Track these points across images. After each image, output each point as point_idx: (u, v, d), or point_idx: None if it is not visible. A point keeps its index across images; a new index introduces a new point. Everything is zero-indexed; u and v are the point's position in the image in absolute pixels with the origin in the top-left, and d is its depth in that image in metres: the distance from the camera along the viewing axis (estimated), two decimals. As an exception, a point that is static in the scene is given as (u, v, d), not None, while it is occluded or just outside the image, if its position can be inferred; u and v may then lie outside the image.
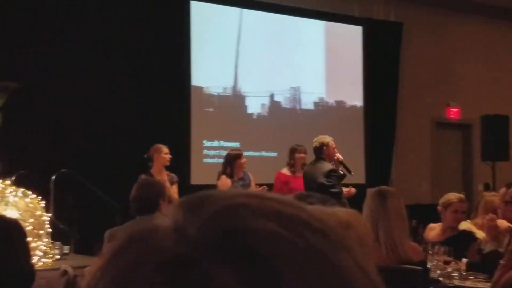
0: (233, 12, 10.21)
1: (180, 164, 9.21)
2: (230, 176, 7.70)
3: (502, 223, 5.29)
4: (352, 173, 7.80)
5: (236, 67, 10.13)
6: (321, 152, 7.67)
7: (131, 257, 0.52)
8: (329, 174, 7.45)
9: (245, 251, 0.50)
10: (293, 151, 8.14)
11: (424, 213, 6.76)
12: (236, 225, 0.52)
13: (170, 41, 9.53)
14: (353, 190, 7.85)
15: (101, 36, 8.95)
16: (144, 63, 9.26)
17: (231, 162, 7.77)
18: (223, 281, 0.49)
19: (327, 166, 7.54)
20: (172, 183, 7.33)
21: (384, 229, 3.97)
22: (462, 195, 5.72)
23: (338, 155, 7.75)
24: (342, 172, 7.63)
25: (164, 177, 7.20)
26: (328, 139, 7.79)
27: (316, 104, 10.85)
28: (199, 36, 9.83)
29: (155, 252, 0.51)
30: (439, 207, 5.60)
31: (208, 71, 9.88)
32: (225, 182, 7.58)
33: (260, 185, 7.76)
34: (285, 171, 8.17)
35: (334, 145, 7.75)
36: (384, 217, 3.99)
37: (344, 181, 9.18)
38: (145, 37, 9.26)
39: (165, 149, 7.45)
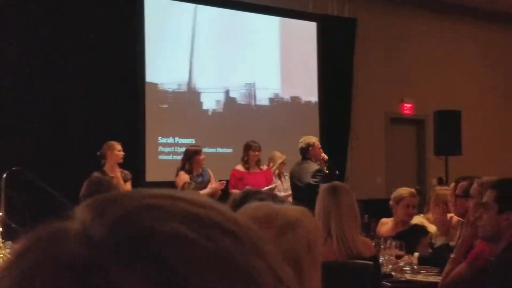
0: (187, 8, 10.15)
1: (135, 161, 9.15)
2: (189, 172, 7.71)
3: (453, 217, 5.37)
4: (337, 172, 8.05)
5: (191, 63, 10.08)
6: (307, 152, 7.91)
7: (34, 259, 0.50)
8: (315, 174, 7.64)
9: (151, 255, 0.49)
10: (247, 148, 8.19)
11: (379, 208, 6.82)
12: (143, 228, 0.50)
13: (124, 37, 9.44)
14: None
15: (54, 31, 8.83)
16: (97, 59, 9.14)
17: (190, 158, 7.79)
18: (125, 286, 0.48)
19: (313, 166, 7.77)
20: (125, 180, 7.29)
21: (335, 224, 3.99)
22: (413, 190, 5.78)
23: (324, 155, 7.99)
24: (327, 171, 7.81)
25: (117, 174, 7.16)
26: (314, 139, 8.06)
27: (271, 100, 10.86)
28: (153, 33, 9.75)
29: (59, 254, 0.50)
30: (391, 202, 5.66)
31: (163, 67, 9.82)
32: (183, 178, 7.59)
33: (219, 181, 7.79)
34: (240, 167, 8.22)
35: (319, 145, 8.00)
36: (336, 213, 4.01)
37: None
38: (99, 33, 9.15)
39: (118, 146, 7.39)
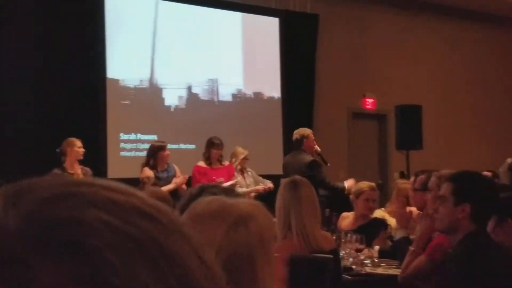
0: (149, 3, 10.10)
1: (97, 158, 9.09)
2: (153, 167, 7.70)
3: (413, 210, 5.41)
4: (328, 164, 8.25)
5: (152, 59, 10.03)
6: (301, 143, 8.01)
7: None
8: (311, 164, 7.76)
9: (72, 243, 0.47)
10: (209, 145, 8.20)
11: (341, 202, 6.86)
12: (62, 216, 0.49)
13: (84, 33, 9.34)
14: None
15: (11, 26, 8.72)
16: (57, 55, 9.05)
17: (154, 153, 7.81)
18: (48, 278, 0.46)
19: (308, 157, 7.87)
20: (86, 177, 7.23)
21: (296, 219, 4.00)
22: (373, 184, 5.83)
23: (316, 147, 8.11)
24: (325, 163, 8.11)
25: (77, 171, 7.10)
26: (308, 131, 8.15)
27: (234, 95, 10.85)
28: (114, 28, 9.68)
29: None
30: (351, 196, 5.70)
31: (124, 63, 9.75)
32: (147, 174, 7.57)
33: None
34: (202, 163, 8.22)
35: (313, 137, 8.10)
36: (296, 207, 4.02)
37: (263, 172, 9.27)
38: (58, 29, 9.06)
39: (78, 143, 7.33)
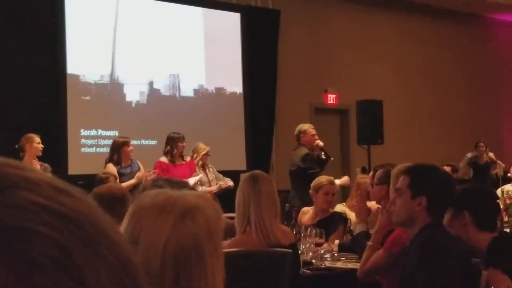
0: (109, -2, 10.02)
1: (57, 154, 9.01)
2: (117, 163, 7.70)
3: (373, 205, 5.45)
4: (332, 158, 8.54)
5: (113, 54, 9.94)
6: (299, 138, 8.46)
7: None
8: (305, 157, 8.15)
9: (11, 230, 0.46)
10: (171, 140, 8.19)
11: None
12: None
13: (43, 28, 9.25)
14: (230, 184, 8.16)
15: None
16: (16, 50, 8.94)
17: (118, 149, 7.83)
18: None
19: (303, 150, 8.25)
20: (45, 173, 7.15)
21: (255, 213, 4.00)
22: (332, 178, 5.86)
23: (318, 142, 8.45)
24: (324, 157, 8.36)
25: (36, 167, 7.01)
26: (306, 126, 8.59)
27: (195, 91, 10.81)
28: (74, 23, 9.57)
29: None
30: (310, 191, 5.72)
31: (84, 58, 9.65)
32: (111, 170, 7.55)
33: (149, 171, 7.79)
34: (164, 159, 8.20)
35: (312, 132, 8.47)
36: (255, 201, 4.02)
37: (225, 168, 9.27)
38: (18, 24, 8.94)
39: (37, 139, 7.26)
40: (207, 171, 8.37)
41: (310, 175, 7.42)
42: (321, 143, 8.47)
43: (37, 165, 7.11)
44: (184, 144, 8.21)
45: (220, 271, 1.37)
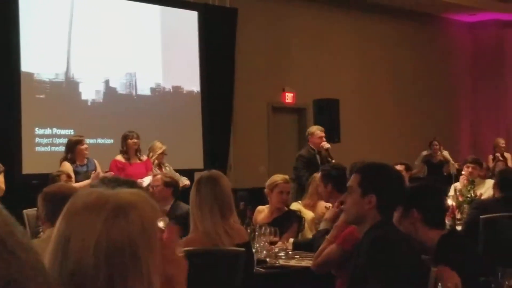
0: (64, -5, 9.90)
1: (11, 153, 8.90)
2: (72, 162, 7.67)
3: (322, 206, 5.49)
4: (333, 161, 8.49)
5: (68, 52, 9.83)
6: (307, 140, 9.00)
7: None
8: (298, 158, 8.75)
9: None
10: (125, 137, 8.16)
11: (262, 196, 6.88)
12: None
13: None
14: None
15: None
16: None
17: (72, 148, 7.80)
18: None
19: (302, 151, 8.92)
20: None
21: (208, 212, 3.99)
22: (286, 176, 5.88)
23: (323, 144, 8.81)
24: (329, 159, 8.61)
25: None
26: (314, 129, 9.03)
27: (152, 89, 10.75)
28: (29, 20, 9.44)
29: None
30: (266, 190, 5.73)
31: (39, 56, 9.53)
32: (66, 168, 7.49)
33: (105, 172, 7.74)
34: (120, 158, 8.15)
35: (320, 134, 8.87)
36: (208, 200, 4.02)
37: (182, 167, 9.23)
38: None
39: None
40: (163, 170, 8.33)
41: (296, 176, 8.10)
42: (326, 145, 8.80)
43: None
44: (135, 141, 8.16)
45: (156, 270, 1.35)
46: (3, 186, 6.91)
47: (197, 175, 4.49)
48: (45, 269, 0.57)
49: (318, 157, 8.84)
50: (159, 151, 8.36)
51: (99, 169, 7.74)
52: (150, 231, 1.35)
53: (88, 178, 7.49)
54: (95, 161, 7.95)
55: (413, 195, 3.50)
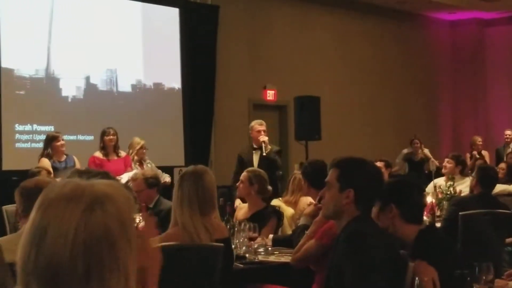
0: (44, -10, 9.84)
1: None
2: (50, 158, 7.71)
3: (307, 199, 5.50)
4: (264, 154, 8.18)
5: (48, 48, 9.77)
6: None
7: None
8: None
9: None
10: (102, 134, 8.18)
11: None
12: None
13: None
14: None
15: None
16: None
17: (48, 144, 7.82)
18: None
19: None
20: None
21: (188, 207, 4.00)
22: (258, 170, 5.93)
23: (261, 137, 8.23)
24: (264, 153, 8.14)
25: None
26: (253, 122, 8.55)
27: (133, 86, 10.72)
28: (8, 15, 9.38)
29: None
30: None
31: (19, 52, 9.48)
32: (44, 164, 7.49)
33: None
34: (98, 154, 8.14)
35: (258, 128, 8.32)
36: (190, 196, 4.02)
37: (164, 163, 9.20)
38: None
39: None
40: (144, 166, 8.31)
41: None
42: (263, 138, 8.24)
43: None
44: (111, 137, 8.16)
45: (133, 262, 1.35)
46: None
47: (177, 172, 4.50)
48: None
49: (257, 152, 8.28)
50: (137, 147, 8.33)
51: (78, 166, 7.71)
52: (126, 223, 1.35)
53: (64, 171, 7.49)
54: (75, 158, 7.94)
55: (391, 190, 3.52)
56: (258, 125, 8.39)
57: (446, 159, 8.07)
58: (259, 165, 7.80)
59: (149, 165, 8.40)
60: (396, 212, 3.43)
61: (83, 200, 1.31)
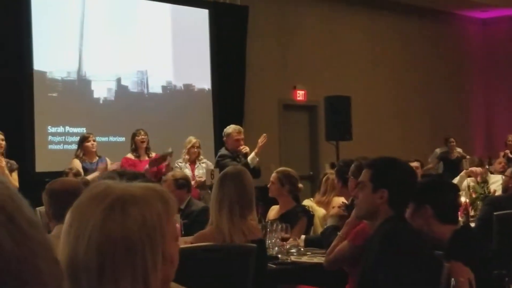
0: (76, -7, 9.93)
1: (24, 151, 8.94)
2: (82, 159, 7.80)
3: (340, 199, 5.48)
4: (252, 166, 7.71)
5: (80, 50, 9.85)
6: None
7: None
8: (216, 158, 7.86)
9: None
10: (133, 136, 8.21)
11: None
12: None
13: (9, 24, 9.14)
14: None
15: None
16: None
17: (80, 145, 7.95)
18: None
19: (221, 151, 8.06)
20: (11, 170, 7.12)
21: (228, 210, 3.99)
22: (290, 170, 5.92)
23: (242, 148, 7.97)
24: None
25: (1, 164, 6.96)
26: (230, 129, 8.02)
27: (164, 87, 10.77)
28: (41, 19, 9.47)
29: None
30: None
31: (51, 55, 9.57)
32: (74, 165, 7.57)
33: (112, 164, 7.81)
34: (130, 155, 8.18)
35: (237, 137, 7.94)
36: (224, 198, 4.02)
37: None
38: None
39: None
40: (195, 166, 8.20)
41: None
42: (245, 149, 7.95)
43: (2, 162, 7.03)
44: (142, 137, 8.20)
45: (155, 267, 1.33)
46: (16, 184, 6.96)
47: (208, 173, 4.50)
48: (52, 246, 0.58)
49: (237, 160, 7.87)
50: (189, 146, 8.21)
51: (109, 166, 7.77)
52: (152, 230, 1.34)
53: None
54: (107, 159, 7.99)
55: (426, 190, 3.48)
56: (237, 132, 7.98)
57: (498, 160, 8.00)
58: None
59: (203, 164, 8.21)
60: (430, 212, 3.40)
61: (105, 200, 1.33)
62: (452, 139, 12.34)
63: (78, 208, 1.35)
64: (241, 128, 8.14)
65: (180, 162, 8.15)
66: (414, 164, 7.90)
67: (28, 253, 0.53)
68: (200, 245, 3.68)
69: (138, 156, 8.14)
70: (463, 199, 6.59)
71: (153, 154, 8.23)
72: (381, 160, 3.46)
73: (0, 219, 0.53)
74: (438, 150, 12.58)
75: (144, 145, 8.19)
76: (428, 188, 3.53)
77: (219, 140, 11.12)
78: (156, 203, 1.37)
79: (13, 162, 7.29)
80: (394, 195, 3.25)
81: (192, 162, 8.18)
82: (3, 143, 7.21)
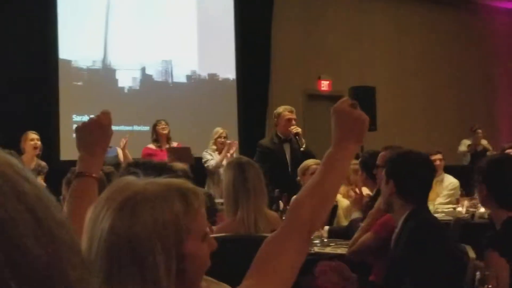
0: (101, -17, 9.95)
1: (49, 140, 8.98)
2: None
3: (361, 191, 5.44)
4: (302, 148, 7.11)
5: (105, 39, 9.89)
6: (275, 124, 7.33)
7: None
8: (256, 148, 7.21)
9: None
10: (154, 126, 8.25)
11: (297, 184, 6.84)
12: None
13: (35, 13, 9.19)
14: None
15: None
16: (7, 36, 8.89)
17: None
18: None
19: (262, 140, 7.59)
20: (39, 173, 7.06)
21: (241, 199, 3.98)
22: (318, 161, 5.84)
23: (292, 128, 7.08)
24: (300, 146, 7.05)
25: (31, 165, 6.98)
26: (281, 109, 7.27)
27: (188, 77, 10.78)
28: (66, 8, 9.52)
29: None
30: (298, 177, 5.71)
31: (76, 44, 9.61)
32: None
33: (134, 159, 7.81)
34: (151, 145, 8.23)
35: (288, 116, 7.13)
36: (242, 188, 4.00)
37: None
38: (8, 10, 8.89)
39: (30, 136, 7.34)
40: (220, 155, 8.11)
41: None
42: (296, 129, 7.09)
43: (32, 163, 7.04)
44: (164, 127, 8.23)
45: (168, 270, 1.29)
46: (44, 184, 6.98)
47: (229, 162, 4.49)
48: (80, 248, 0.57)
49: (287, 145, 7.24)
50: (215, 136, 8.25)
51: (121, 158, 7.79)
52: (164, 229, 1.30)
53: (108, 164, 7.57)
54: (117, 149, 7.99)
55: (485, 170, 3.19)
56: (288, 112, 7.17)
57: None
58: (292, 160, 7.01)
59: (229, 155, 8.08)
60: (486, 193, 3.14)
61: (116, 201, 1.30)
62: (479, 130, 12.20)
63: (95, 207, 1.33)
64: (292, 107, 7.39)
65: (208, 152, 8.16)
66: (437, 156, 7.83)
67: (56, 259, 0.52)
68: (222, 236, 3.67)
69: (159, 146, 8.18)
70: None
71: (174, 144, 8.25)
72: (396, 152, 3.47)
73: (28, 222, 0.52)
74: (466, 141, 12.45)
75: (165, 133, 8.21)
76: (489, 168, 3.21)
77: (243, 130, 11.15)
78: (173, 201, 1.32)
79: (44, 165, 7.29)
80: (400, 186, 3.23)
81: (220, 152, 8.18)
82: (39, 143, 7.22)
